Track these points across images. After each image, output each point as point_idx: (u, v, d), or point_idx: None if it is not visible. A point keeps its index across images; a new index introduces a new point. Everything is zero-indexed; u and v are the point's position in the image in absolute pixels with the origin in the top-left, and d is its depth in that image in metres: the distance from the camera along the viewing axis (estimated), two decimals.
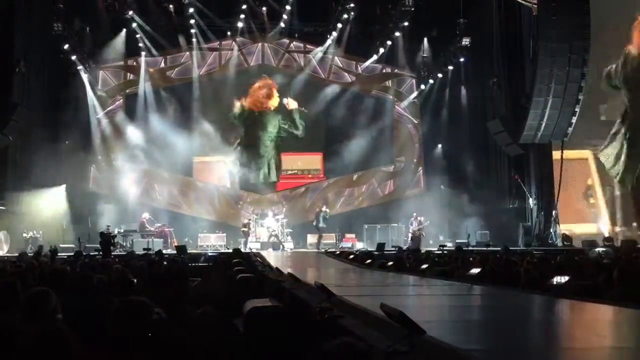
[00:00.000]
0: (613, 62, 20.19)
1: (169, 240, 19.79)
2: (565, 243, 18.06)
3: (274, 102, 22.66)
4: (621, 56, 19.94)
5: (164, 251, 14.74)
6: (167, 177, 22.34)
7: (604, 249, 15.28)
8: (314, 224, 20.55)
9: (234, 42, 23.08)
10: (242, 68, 23.23)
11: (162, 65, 22.97)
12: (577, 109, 17.56)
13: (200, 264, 12.69)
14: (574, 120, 17.71)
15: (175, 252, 15.81)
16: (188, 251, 16.01)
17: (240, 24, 22.20)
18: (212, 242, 20.30)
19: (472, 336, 3.09)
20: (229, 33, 22.81)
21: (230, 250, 14.20)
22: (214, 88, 22.61)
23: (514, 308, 4.26)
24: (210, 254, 15.86)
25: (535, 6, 17.70)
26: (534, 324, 3.56)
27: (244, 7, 21.56)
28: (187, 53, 22.80)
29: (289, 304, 4.70)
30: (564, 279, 4.77)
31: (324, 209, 20.62)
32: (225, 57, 23.19)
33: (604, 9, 18.32)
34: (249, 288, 5.86)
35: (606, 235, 17.49)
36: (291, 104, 22.53)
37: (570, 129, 17.88)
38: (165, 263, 9.79)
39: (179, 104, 22.21)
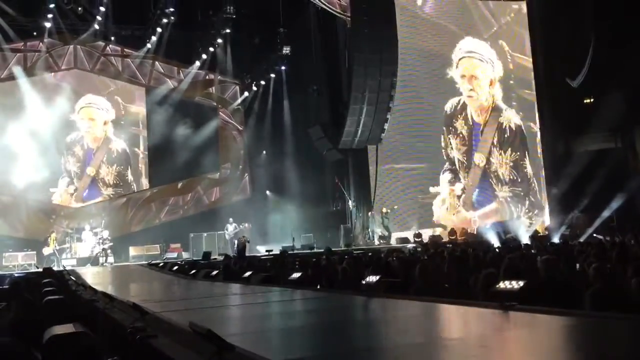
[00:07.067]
0: None
1: None
2: (382, 241, 19.31)
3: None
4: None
5: None
6: None
7: (414, 245, 16.66)
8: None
9: (41, 44, 21.22)
10: (52, 71, 21.47)
11: None
12: (389, 116, 18.86)
13: (4, 287, 11.43)
14: (386, 126, 18.99)
15: None
16: None
17: (48, 24, 20.42)
18: (19, 262, 18.41)
19: (288, 345, 3.11)
20: (35, 33, 20.91)
21: (41, 270, 13.02)
22: (18, 93, 20.58)
23: (330, 311, 4.41)
24: (17, 274, 14.37)
25: (349, 19, 18.73)
26: (348, 326, 3.70)
27: (52, 5, 19.79)
28: None
29: (101, 326, 4.40)
30: (375, 277, 5.05)
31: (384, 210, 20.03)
32: (32, 60, 21.25)
33: None
34: (58, 311, 5.39)
35: (417, 231, 19.00)
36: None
37: (383, 135, 19.14)
38: None
39: None
